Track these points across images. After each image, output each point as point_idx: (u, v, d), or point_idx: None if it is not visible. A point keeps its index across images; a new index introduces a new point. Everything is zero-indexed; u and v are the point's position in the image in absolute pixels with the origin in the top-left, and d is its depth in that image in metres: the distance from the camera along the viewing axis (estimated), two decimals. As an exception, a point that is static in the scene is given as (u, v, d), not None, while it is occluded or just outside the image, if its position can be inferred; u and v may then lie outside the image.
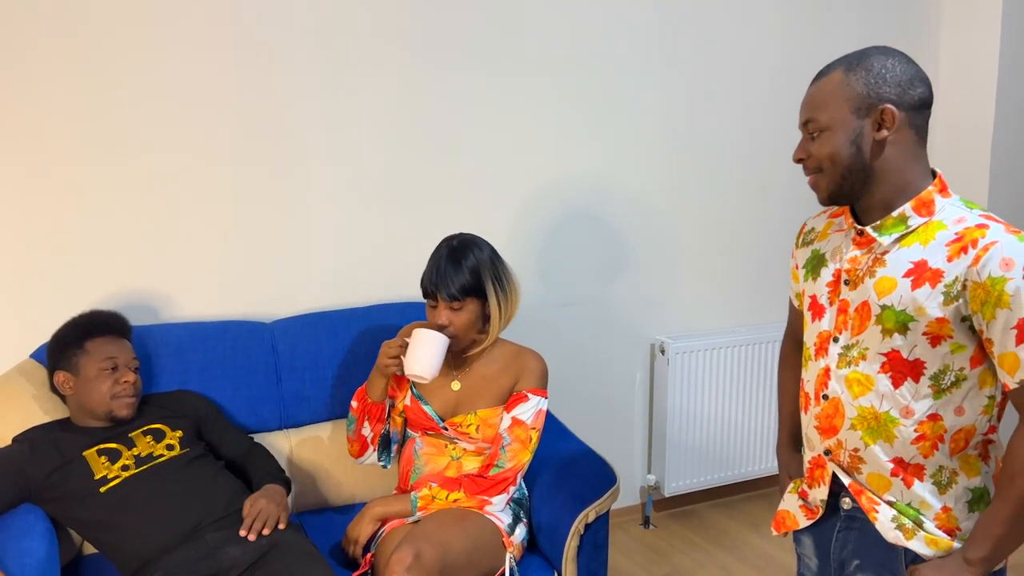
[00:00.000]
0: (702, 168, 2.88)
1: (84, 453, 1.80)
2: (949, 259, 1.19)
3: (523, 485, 2.03)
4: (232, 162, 2.23)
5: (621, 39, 2.67)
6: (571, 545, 1.86)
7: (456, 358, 1.98)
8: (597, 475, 1.98)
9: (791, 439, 1.61)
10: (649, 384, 2.95)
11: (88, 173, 2.10)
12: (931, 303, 1.20)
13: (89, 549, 1.91)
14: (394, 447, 2.05)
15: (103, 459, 1.80)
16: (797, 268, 1.47)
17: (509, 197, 2.59)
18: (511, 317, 1.96)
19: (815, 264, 1.40)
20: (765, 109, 2.94)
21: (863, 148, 1.24)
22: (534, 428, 1.92)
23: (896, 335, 1.24)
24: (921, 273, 1.21)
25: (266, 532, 1.74)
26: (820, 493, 1.40)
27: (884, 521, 1.31)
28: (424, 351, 1.81)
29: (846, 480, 1.35)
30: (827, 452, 1.36)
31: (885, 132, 1.22)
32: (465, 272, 1.85)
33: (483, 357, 1.98)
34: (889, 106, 1.21)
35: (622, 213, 2.77)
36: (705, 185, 2.90)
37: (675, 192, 2.85)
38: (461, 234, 1.95)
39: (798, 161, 1.31)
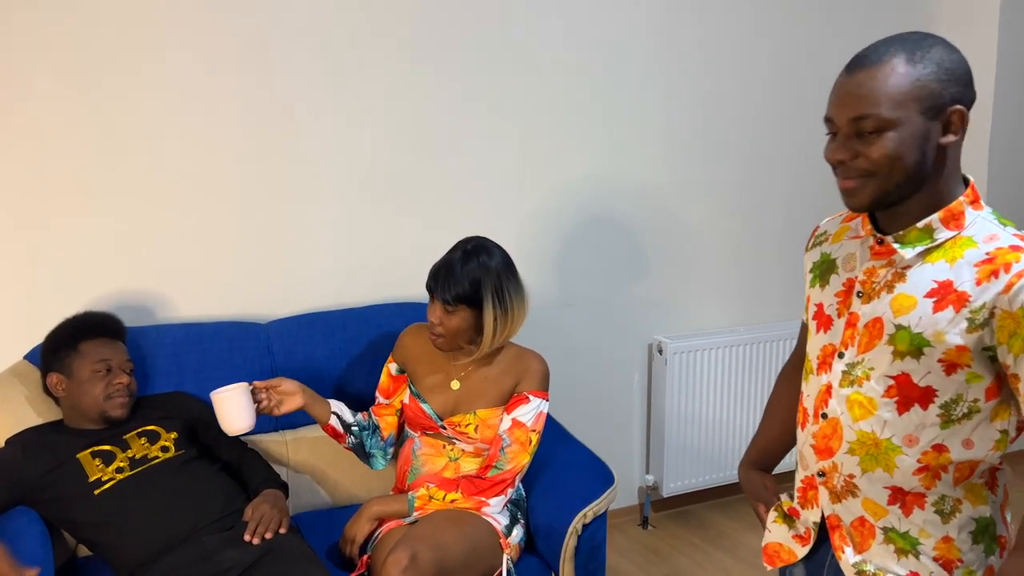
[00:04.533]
0: (701, 169, 2.87)
1: (78, 455, 1.78)
2: (978, 282, 1.07)
3: (520, 486, 2.02)
4: (229, 163, 2.22)
5: (623, 40, 2.66)
6: (569, 545, 1.86)
7: (455, 359, 1.97)
8: (595, 475, 1.97)
9: (756, 457, 1.49)
10: (647, 384, 2.94)
11: (83, 173, 2.08)
12: (952, 329, 1.08)
13: (84, 551, 1.89)
14: (389, 450, 2.05)
15: (97, 461, 1.79)
16: (808, 272, 1.34)
17: (508, 199, 2.58)
18: (510, 334, 1.91)
19: (824, 270, 1.27)
20: (765, 110, 2.93)
21: (928, 153, 1.08)
22: (534, 430, 1.91)
23: (908, 358, 1.12)
24: (945, 295, 1.09)
25: (268, 536, 1.73)
26: (812, 515, 1.28)
27: (847, 564, 1.22)
28: (226, 410, 1.76)
29: (827, 510, 1.25)
30: (820, 474, 1.25)
31: (952, 136, 1.08)
32: (465, 281, 1.83)
33: (484, 357, 1.96)
34: (961, 107, 1.07)
35: (621, 214, 2.77)
36: (704, 186, 2.89)
37: (674, 193, 2.84)
38: (478, 238, 1.92)
39: (839, 163, 1.12)
